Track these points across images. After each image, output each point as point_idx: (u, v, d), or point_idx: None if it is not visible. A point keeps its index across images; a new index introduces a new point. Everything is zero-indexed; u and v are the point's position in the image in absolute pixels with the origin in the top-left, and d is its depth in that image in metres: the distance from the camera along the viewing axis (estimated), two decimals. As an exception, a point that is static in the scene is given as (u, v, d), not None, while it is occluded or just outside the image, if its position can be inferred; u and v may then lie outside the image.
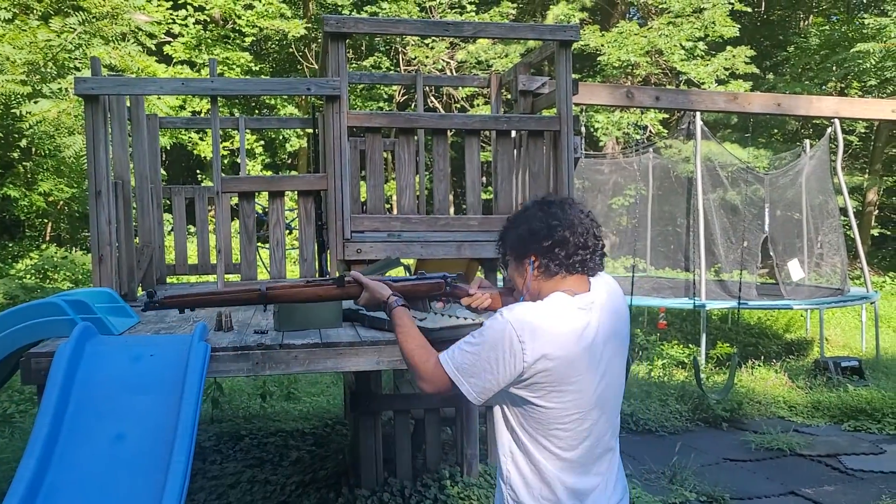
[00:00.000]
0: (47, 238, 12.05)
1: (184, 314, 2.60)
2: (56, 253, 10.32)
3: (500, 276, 4.90)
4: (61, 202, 10.34)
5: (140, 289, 4.59)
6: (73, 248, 12.11)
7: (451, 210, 4.38)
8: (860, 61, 13.64)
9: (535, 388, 1.77)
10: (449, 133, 4.29)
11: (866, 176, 17.42)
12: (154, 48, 11.64)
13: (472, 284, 2.30)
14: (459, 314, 2.96)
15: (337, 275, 4.06)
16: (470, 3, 15.30)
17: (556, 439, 1.80)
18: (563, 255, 1.84)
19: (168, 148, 13.06)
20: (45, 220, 11.83)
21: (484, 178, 13.88)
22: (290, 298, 2.24)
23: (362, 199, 6.14)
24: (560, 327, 1.77)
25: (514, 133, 4.61)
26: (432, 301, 2.34)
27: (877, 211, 18.40)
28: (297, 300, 2.28)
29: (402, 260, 3.90)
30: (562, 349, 1.75)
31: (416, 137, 4.35)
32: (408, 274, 4.57)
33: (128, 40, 9.61)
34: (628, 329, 1.98)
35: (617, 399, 1.93)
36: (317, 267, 4.29)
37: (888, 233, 18.90)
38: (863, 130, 17.98)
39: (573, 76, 4.20)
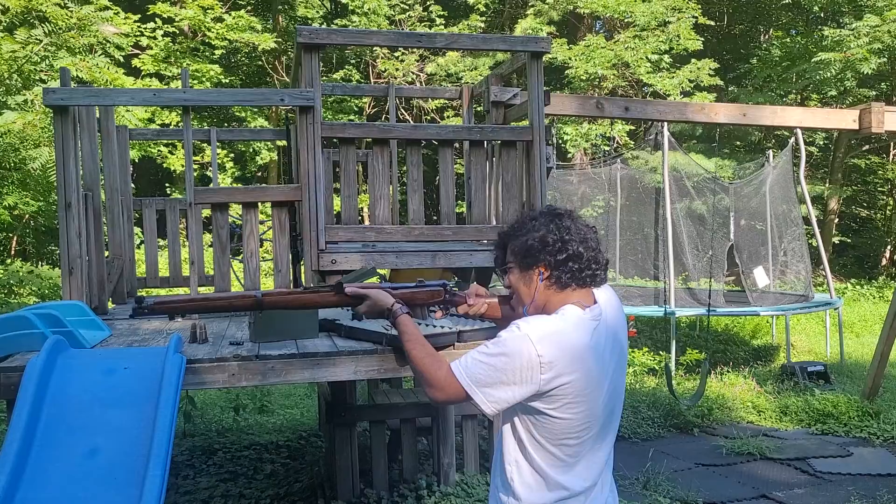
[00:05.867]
0: (12, 252, 11.80)
1: (159, 321, 2.55)
2: (21, 267, 10.12)
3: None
4: (27, 216, 10.14)
5: (111, 302, 4.53)
6: (40, 263, 11.89)
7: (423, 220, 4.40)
8: (821, 71, 13.99)
9: (551, 401, 1.77)
10: (421, 144, 4.32)
11: (827, 185, 17.84)
12: (122, 60, 11.51)
13: (469, 292, 2.27)
14: (436, 323, 2.97)
15: (304, 283, 4.05)
16: (439, 17, 15.42)
17: (566, 447, 1.81)
18: (575, 268, 1.84)
19: (136, 161, 12.91)
20: (10, 235, 11.59)
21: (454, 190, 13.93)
22: (286, 305, 2.16)
23: (336, 210, 6.14)
24: (577, 342, 1.77)
25: (486, 143, 4.66)
26: (431, 309, 2.29)
27: (837, 220, 18.85)
28: (293, 307, 2.19)
29: (377, 269, 3.92)
30: (579, 363, 1.76)
31: (389, 148, 4.38)
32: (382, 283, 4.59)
33: (95, 52, 9.50)
34: (626, 336, 1.99)
35: (619, 407, 1.94)
36: (291, 278, 4.28)
37: (848, 241, 19.37)
38: (822, 142, 18.45)
39: (544, 88, 4.26)
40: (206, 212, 7.42)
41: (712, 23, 17.54)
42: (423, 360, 1.88)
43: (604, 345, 1.83)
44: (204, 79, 13.90)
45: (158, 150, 13.86)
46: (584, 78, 14.72)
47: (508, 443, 1.88)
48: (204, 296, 2.10)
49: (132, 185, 5.44)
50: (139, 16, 12.90)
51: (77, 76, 8.54)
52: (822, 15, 18.09)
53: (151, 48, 13.83)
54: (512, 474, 1.86)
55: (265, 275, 9.95)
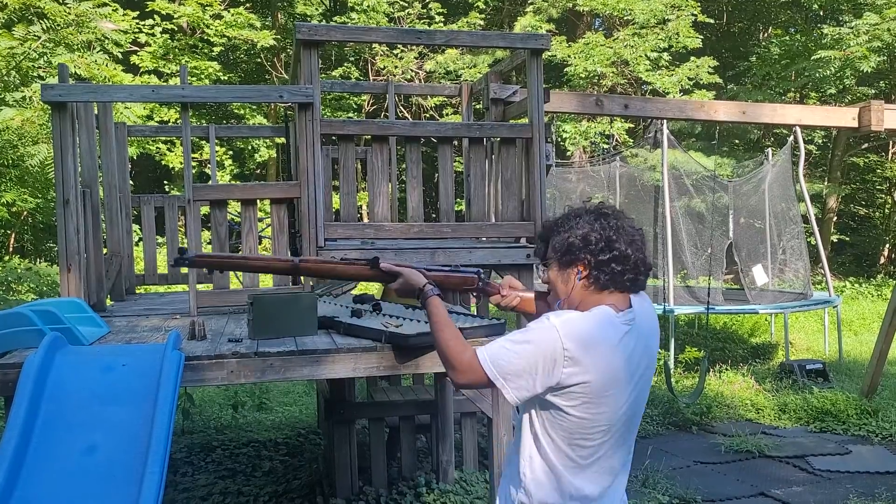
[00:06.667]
0: (10, 249, 11.78)
1: (158, 318, 2.55)
2: (20, 264, 10.10)
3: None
4: (25, 212, 10.12)
5: (109, 299, 4.52)
6: (38, 260, 11.85)
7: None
8: (820, 69, 13.99)
9: (570, 398, 1.75)
10: (421, 141, 4.31)
11: (826, 183, 17.85)
12: (121, 57, 11.48)
13: (503, 283, 2.26)
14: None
15: (309, 285, 4.05)
16: (438, 14, 15.40)
17: (580, 448, 1.79)
18: (618, 270, 1.81)
19: (135, 158, 12.88)
20: (8, 231, 11.57)
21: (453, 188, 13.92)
22: (322, 273, 2.23)
23: (335, 208, 6.11)
24: (605, 342, 1.75)
25: (485, 141, 4.65)
26: (463, 295, 2.33)
27: (836, 218, 18.85)
28: (329, 276, 2.26)
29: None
30: (604, 364, 1.74)
31: (388, 145, 4.37)
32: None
33: (94, 49, 9.47)
34: (657, 345, 1.96)
35: (639, 417, 1.92)
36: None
37: (847, 239, 19.38)
38: (821, 140, 18.45)
39: (543, 85, 4.26)
40: (205, 209, 7.42)
41: (711, 21, 17.53)
42: (449, 343, 1.88)
43: (632, 350, 1.80)
44: (203, 76, 13.87)
45: (157, 147, 13.82)
46: (583, 76, 14.70)
47: (525, 437, 1.86)
48: (243, 255, 2.23)
49: (130, 182, 5.43)
50: (137, 12, 12.87)
51: (75, 73, 8.52)
52: (821, 13, 18.08)
53: (150, 45, 13.80)
54: (525, 469, 1.85)
55: (264, 272, 9.93)
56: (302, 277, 4.29)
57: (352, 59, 16.33)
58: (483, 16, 16.40)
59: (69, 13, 8.87)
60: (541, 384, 1.74)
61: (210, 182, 7.32)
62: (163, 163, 14.21)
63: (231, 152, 15.33)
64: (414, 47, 15.28)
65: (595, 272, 1.82)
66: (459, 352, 1.85)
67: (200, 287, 4.14)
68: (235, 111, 15.15)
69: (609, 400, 1.77)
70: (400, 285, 2.12)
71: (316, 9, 15.57)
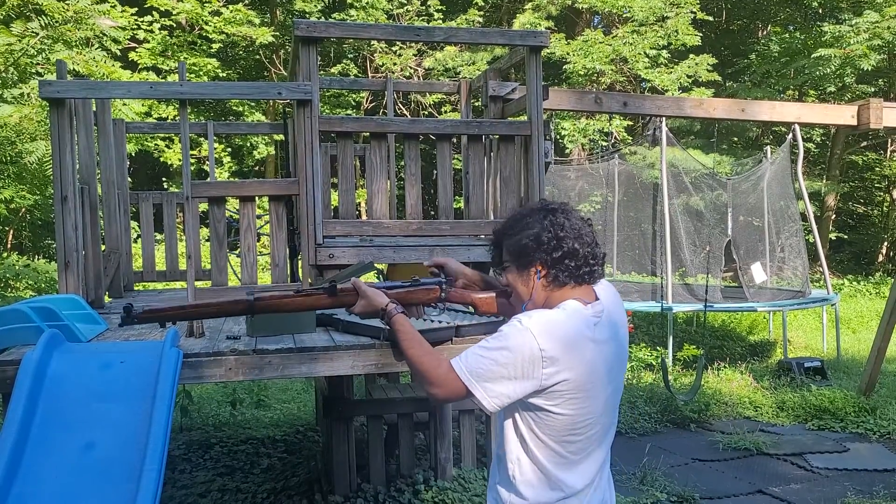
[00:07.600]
0: (9, 246, 11.77)
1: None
2: (18, 261, 10.08)
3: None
4: (23, 209, 10.11)
5: (107, 296, 4.52)
6: (36, 257, 11.84)
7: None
8: (820, 67, 13.98)
9: (552, 397, 1.74)
10: (419, 138, 4.31)
11: (824, 181, 17.86)
12: (119, 54, 11.46)
13: (462, 286, 2.24)
14: (434, 318, 2.96)
15: (307, 283, 4.04)
16: (437, 12, 15.38)
17: (569, 444, 1.79)
18: (572, 265, 1.81)
19: (133, 155, 12.87)
20: (7, 228, 11.55)
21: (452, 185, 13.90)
22: (279, 309, 2.10)
23: (333, 205, 6.11)
24: (579, 337, 1.75)
25: (484, 138, 4.65)
26: (427, 307, 2.26)
27: (834, 216, 18.87)
28: (287, 310, 2.12)
29: (374, 265, 3.91)
30: (581, 358, 1.74)
31: (387, 142, 4.36)
32: (380, 278, 4.58)
33: (92, 45, 9.46)
34: (627, 333, 1.97)
35: (618, 402, 1.93)
36: (288, 272, 4.27)
37: (845, 237, 19.40)
38: (819, 138, 18.46)
39: (542, 82, 4.25)
40: (203, 206, 7.42)
41: (710, 18, 17.53)
42: (422, 359, 1.85)
43: (606, 341, 1.81)
44: (201, 73, 13.85)
45: (155, 144, 13.81)
46: (581, 73, 14.70)
47: (510, 440, 1.85)
48: (194, 303, 2.04)
49: (129, 179, 5.42)
50: (136, 9, 12.85)
51: (73, 69, 8.51)
52: (820, 11, 18.07)
53: (148, 41, 13.78)
54: (514, 472, 1.84)
55: (262, 269, 9.93)
56: (301, 274, 4.29)
57: (350, 56, 16.31)
58: (482, 13, 16.38)
59: (67, 9, 8.85)
60: (520, 389, 1.73)
61: (208, 179, 7.31)
62: (161, 159, 14.20)
63: (230, 149, 15.32)
64: (413, 44, 15.26)
65: (553, 270, 1.82)
66: (434, 366, 1.82)
67: (199, 284, 4.13)
68: (234, 108, 15.13)
69: (591, 393, 1.77)
70: (361, 308, 2.07)
71: (314, 5, 15.53)
